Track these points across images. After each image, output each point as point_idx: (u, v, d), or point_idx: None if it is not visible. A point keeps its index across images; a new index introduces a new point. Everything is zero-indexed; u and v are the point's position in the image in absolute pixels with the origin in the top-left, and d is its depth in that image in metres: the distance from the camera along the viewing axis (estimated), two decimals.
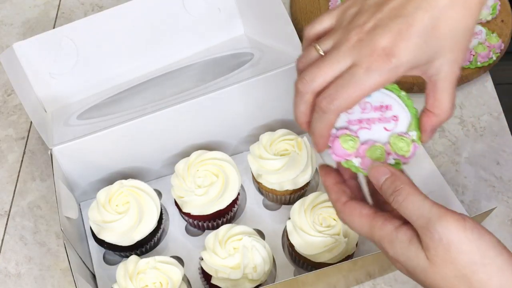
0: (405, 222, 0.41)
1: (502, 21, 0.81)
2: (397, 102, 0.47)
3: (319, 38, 0.45)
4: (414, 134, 0.46)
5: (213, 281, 0.55)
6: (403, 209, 0.40)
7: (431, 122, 0.45)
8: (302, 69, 0.44)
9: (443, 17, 0.40)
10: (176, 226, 0.64)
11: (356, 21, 0.42)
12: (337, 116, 0.43)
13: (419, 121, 0.46)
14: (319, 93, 0.42)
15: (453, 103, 0.44)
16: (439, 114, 0.44)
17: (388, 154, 0.45)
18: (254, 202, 0.65)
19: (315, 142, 0.46)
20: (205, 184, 0.59)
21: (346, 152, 0.46)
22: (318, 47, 0.43)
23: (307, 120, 0.45)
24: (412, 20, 0.40)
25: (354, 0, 0.44)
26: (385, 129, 0.46)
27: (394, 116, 0.47)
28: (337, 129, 0.46)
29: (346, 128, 0.46)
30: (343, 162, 0.46)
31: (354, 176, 0.47)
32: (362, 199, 0.46)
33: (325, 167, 0.48)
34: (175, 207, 0.63)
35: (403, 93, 0.48)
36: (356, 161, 0.46)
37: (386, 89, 0.48)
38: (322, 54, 0.43)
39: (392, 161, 0.45)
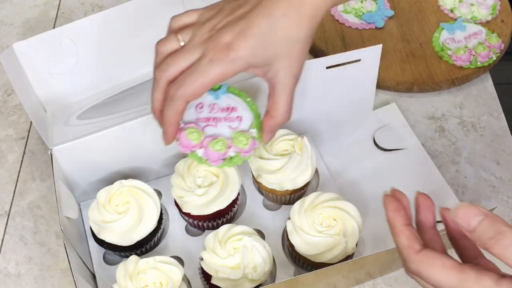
0: (503, 275, 0.36)
1: (502, 21, 0.81)
2: (242, 106, 0.54)
3: (183, 29, 0.50)
4: (254, 132, 0.53)
5: (213, 281, 0.55)
6: (509, 254, 0.35)
7: (269, 123, 0.50)
8: (161, 54, 0.50)
9: (278, 25, 0.46)
10: (176, 226, 0.64)
11: (211, 21, 0.48)
12: (184, 104, 0.47)
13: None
14: (172, 79, 0.48)
15: (290, 108, 0.49)
16: (276, 117, 0.50)
17: (229, 147, 0.52)
18: (254, 202, 0.65)
19: (165, 131, 0.50)
20: (205, 184, 0.59)
21: (191, 143, 0.52)
22: (179, 37, 0.49)
23: (161, 108, 0.49)
24: (252, 23, 0.46)
25: (217, 4, 0.50)
26: (230, 127, 0.53)
27: (238, 117, 0.53)
28: (185, 123, 0.53)
29: (194, 123, 0.53)
30: (189, 154, 0.52)
31: (432, 225, 0.43)
32: (442, 250, 0.42)
33: (393, 201, 0.43)
34: (175, 207, 0.63)
35: (248, 99, 0.55)
36: (200, 152, 0.52)
37: (234, 94, 0.55)
38: (181, 44, 0.49)
39: (232, 153, 0.52)
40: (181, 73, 0.47)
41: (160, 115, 0.50)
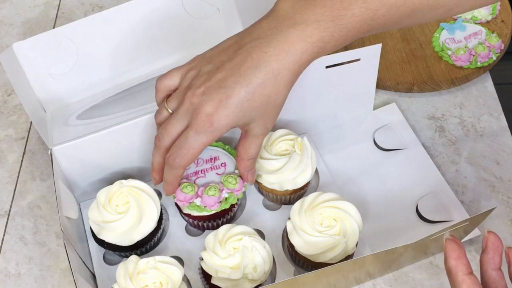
0: None
1: (502, 21, 0.81)
2: (223, 153, 0.62)
3: (170, 91, 0.55)
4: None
5: (213, 281, 0.55)
6: None
7: (243, 165, 0.56)
8: (158, 124, 0.55)
9: (256, 93, 0.49)
10: (176, 226, 0.64)
11: (192, 85, 0.51)
12: (183, 169, 0.54)
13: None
14: (169, 147, 0.53)
15: (258, 151, 0.55)
16: (247, 159, 0.56)
17: (222, 190, 0.58)
18: (254, 202, 0.65)
19: (166, 188, 0.56)
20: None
21: (187, 196, 0.58)
22: (167, 106, 0.54)
23: (160, 169, 0.55)
24: (231, 92, 0.49)
25: (196, 64, 0.53)
26: (217, 173, 0.60)
27: (223, 163, 0.61)
28: None
29: (186, 179, 0.60)
30: (188, 206, 0.58)
31: (498, 267, 0.43)
32: None
33: (455, 248, 0.42)
34: (175, 207, 0.63)
35: (227, 146, 0.63)
36: (197, 201, 0.58)
37: (213, 146, 0.63)
38: (170, 112, 0.53)
39: (226, 195, 0.58)
40: (174, 139, 0.52)
41: (159, 175, 0.56)
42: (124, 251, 0.60)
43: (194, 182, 0.59)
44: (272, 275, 0.59)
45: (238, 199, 0.60)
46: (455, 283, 0.41)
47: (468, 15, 0.82)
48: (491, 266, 0.42)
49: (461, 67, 0.75)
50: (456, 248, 0.42)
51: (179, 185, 0.59)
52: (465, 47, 0.76)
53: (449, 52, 0.76)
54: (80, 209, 0.66)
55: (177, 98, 0.53)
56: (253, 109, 0.50)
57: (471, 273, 0.41)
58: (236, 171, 0.60)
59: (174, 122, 0.52)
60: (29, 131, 0.76)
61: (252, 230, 0.57)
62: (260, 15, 0.69)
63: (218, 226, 0.60)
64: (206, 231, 0.63)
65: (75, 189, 0.65)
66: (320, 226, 0.55)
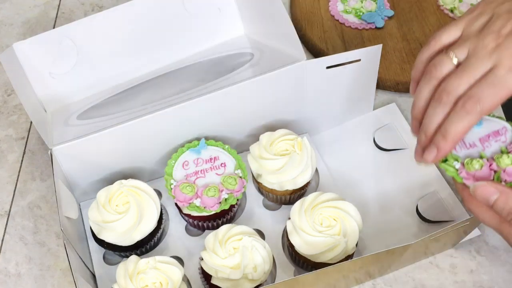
0: None
1: None
2: (223, 153, 0.62)
3: (442, 48, 0.46)
4: (239, 172, 0.60)
5: (213, 281, 0.55)
6: None
7: None
8: (439, 78, 0.45)
9: None
10: (176, 226, 0.64)
11: (490, 28, 0.43)
12: (479, 118, 0.43)
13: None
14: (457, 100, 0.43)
15: None
16: None
17: (221, 191, 0.58)
18: (254, 202, 0.65)
19: (444, 144, 0.44)
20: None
21: (187, 196, 0.58)
22: (452, 54, 0.44)
23: (437, 127, 0.45)
24: None
25: (482, 9, 0.45)
26: (217, 174, 0.60)
27: (222, 164, 0.61)
28: (176, 181, 0.60)
29: (185, 179, 0.59)
30: (188, 207, 0.58)
31: None
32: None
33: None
34: (175, 207, 0.63)
35: (226, 146, 0.62)
36: (197, 202, 0.58)
37: (213, 146, 0.62)
38: (455, 63, 0.44)
39: (225, 195, 0.58)
40: (469, 87, 0.43)
41: (433, 133, 0.45)
42: (124, 251, 0.60)
43: (194, 182, 0.59)
44: (272, 275, 0.59)
45: (237, 200, 0.60)
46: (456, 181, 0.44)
47: None
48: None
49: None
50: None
51: (178, 186, 0.59)
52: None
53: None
54: (80, 209, 0.66)
55: (468, 45, 0.44)
56: None
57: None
58: (237, 171, 0.60)
59: (472, 67, 0.42)
60: (29, 131, 0.76)
61: (252, 230, 0.57)
62: (261, 14, 0.70)
63: (218, 226, 0.60)
64: (206, 231, 0.63)
65: (75, 189, 0.65)
66: (320, 226, 0.55)
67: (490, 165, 0.45)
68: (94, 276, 0.61)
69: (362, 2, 0.85)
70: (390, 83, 0.75)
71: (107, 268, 0.62)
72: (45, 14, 0.92)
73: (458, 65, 0.44)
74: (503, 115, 0.72)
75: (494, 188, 0.42)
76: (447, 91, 0.43)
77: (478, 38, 0.43)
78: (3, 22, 0.91)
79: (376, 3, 0.85)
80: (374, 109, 0.73)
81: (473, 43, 0.44)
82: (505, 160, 0.45)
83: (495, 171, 0.45)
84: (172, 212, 0.65)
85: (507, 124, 0.49)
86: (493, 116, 0.49)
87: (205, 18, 0.72)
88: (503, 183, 0.45)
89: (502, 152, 0.46)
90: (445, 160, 0.47)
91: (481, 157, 0.47)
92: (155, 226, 0.59)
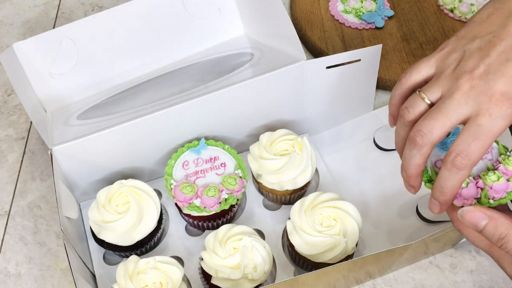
0: None
1: None
2: (223, 153, 0.62)
3: (415, 87, 0.45)
4: (240, 172, 0.60)
5: (213, 281, 0.55)
6: None
7: None
8: (411, 120, 0.45)
9: None
10: (176, 226, 0.64)
11: (463, 68, 0.42)
12: (471, 169, 0.43)
13: None
14: (437, 143, 0.43)
15: None
16: None
17: (221, 191, 0.58)
18: (254, 202, 0.65)
19: (442, 200, 0.44)
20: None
21: (187, 196, 0.58)
22: (423, 95, 0.44)
23: (419, 174, 0.46)
24: None
25: (452, 46, 0.44)
26: (217, 174, 0.60)
27: (222, 164, 0.61)
28: (176, 181, 0.60)
29: (185, 179, 0.59)
30: (188, 207, 0.58)
31: None
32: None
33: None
34: (175, 207, 0.63)
35: (226, 146, 0.62)
36: (197, 202, 0.58)
37: (213, 146, 0.62)
38: (429, 103, 0.43)
39: (225, 195, 0.58)
40: (446, 133, 0.43)
41: (419, 180, 0.46)
42: (124, 251, 0.60)
43: (194, 182, 0.59)
44: (272, 275, 0.59)
45: (237, 200, 0.60)
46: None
47: (468, 14, 0.82)
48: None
49: None
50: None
51: (178, 186, 0.59)
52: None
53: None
54: (80, 209, 0.66)
55: (441, 85, 0.43)
56: None
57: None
58: (237, 171, 0.60)
59: (449, 111, 0.42)
60: (29, 131, 0.76)
61: (252, 230, 0.57)
62: (261, 14, 0.70)
63: (218, 226, 0.60)
64: (206, 231, 0.63)
65: (75, 189, 0.65)
66: (320, 226, 0.55)
67: (477, 183, 0.45)
68: (94, 276, 0.61)
69: (362, 2, 0.85)
70: (390, 83, 0.75)
71: (107, 268, 0.62)
72: (45, 14, 0.92)
73: (432, 105, 0.44)
74: None
75: (482, 213, 0.42)
76: (421, 133, 0.43)
77: (451, 78, 0.43)
78: (3, 22, 0.91)
79: (376, 3, 0.85)
80: (374, 109, 0.73)
81: (446, 84, 0.43)
82: (491, 177, 0.45)
83: (482, 189, 0.45)
84: (172, 212, 0.65)
85: (493, 143, 0.48)
86: None
87: (205, 18, 0.72)
88: (491, 200, 0.45)
89: (488, 169, 0.46)
90: (431, 180, 0.47)
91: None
92: (155, 226, 0.59)
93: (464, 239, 0.60)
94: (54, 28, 0.88)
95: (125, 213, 0.58)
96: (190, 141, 0.65)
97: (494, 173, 0.45)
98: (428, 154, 0.44)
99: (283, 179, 0.60)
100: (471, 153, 0.41)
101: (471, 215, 0.42)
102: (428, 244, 0.55)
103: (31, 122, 0.77)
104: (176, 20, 0.70)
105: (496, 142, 0.48)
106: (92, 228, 0.59)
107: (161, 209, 0.62)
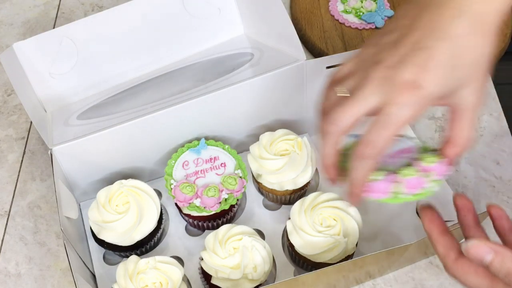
0: None
1: (502, 21, 0.81)
2: (223, 153, 0.62)
3: (341, 80, 0.45)
4: (240, 172, 0.60)
5: (213, 281, 0.55)
6: None
7: (454, 151, 0.44)
8: (325, 111, 0.45)
9: (464, 46, 0.40)
10: (176, 226, 0.64)
11: (376, 59, 0.42)
12: (376, 160, 0.42)
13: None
14: (347, 132, 0.43)
15: (472, 131, 0.44)
16: (461, 144, 0.44)
17: (221, 191, 0.58)
18: (254, 202, 0.65)
19: (353, 190, 0.44)
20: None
21: (187, 196, 0.58)
22: (338, 89, 0.44)
23: (334, 162, 0.45)
24: (434, 51, 0.40)
25: (369, 43, 0.44)
26: (217, 174, 0.60)
27: (222, 164, 0.61)
28: (176, 181, 0.60)
29: (185, 179, 0.59)
30: (188, 207, 0.58)
31: (476, 223, 0.47)
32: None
33: (428, 211, 0.45)
34: (175, 207, 0.63)
35: (226, 146, 0.63)
36: (197, 202, 0.58)
37: (213, 146, 0.63)
38: (343, 95, 0.43)
39: (225, 195, 0.58)
40: (355, 122, 0.42)
41: (334, 171, 0.46)
42: (124, 251, 0.60)
43: (194, 182, 0.59)
44: (272, 275, 0.59)
45: (237, 200, 0.60)
46: (432, 243, 0.44)
47: None
48: (468, 224, 0.46)
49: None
50: (428, 212, 0.45)
51: (178, 186, 0.59)
52: None
53: None
54: (80, 209, 0.66)
55: (355, 78, 0.43)
56: (462, 67, 0.40)
57: (444, 232, 0.44)
58: (237, 171, 0.60)
59: (359, 100, 0.41)
60: (29, 131, 0.76)
61: (252, 230, 0.57)
62: (261, 14, 0.70)
63: (218, 226, 0.60)
64: (206, 231, 0.63)
65: (75, 189, 0.65)
66: (320, 226, 0.55)
67: (392, 178, 0.45)
68: (94, 276, 0.61)
69: (362, 2, 0.85)
70: None
71: (107, 268, 0.62)
72: (45, 14, 0.92)
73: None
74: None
75: (487, 247, 0.41)
76: (330, 121, 0.43)
77: (365, 70, 0.43)
78: (3, 22, 0.91)
79: (376, 3, 0.85)
80: None
81: (360, 76, 0.43)
82: (406, 172, 0.45)
83: (396, 183, 0.45)
84: (172, 212, 0.65)
85: (414, 143, 0.50)
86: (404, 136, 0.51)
87: (205, 18, 0.72)
88: (402, 195, 0.45)
89: (407, 165, 0.46)
90: None
91: (384, 169, 0.46)
92: (155, 226, 0.59)
93: (464, 239, 0.60)
94: (54, 28, 0.88)
95: (125, 213, 0.58)
96: (190, 141, 0.65)
97: (410, 168, 0.45)
98: (337, 143, 0.44)
99: (283, 179, 0.60)
100: (376, 142, 0.41)
101: (476, 250, 0.41)
102: (428, 244, 0.55)
103: (31, 122, 0.77)
104: (176, 20, 0.70)
105: (422, 142, 0.49)
106: (92, 228, 0.59)
107: (161, 209, 0.62)
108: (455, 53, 0.40)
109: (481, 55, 0.41)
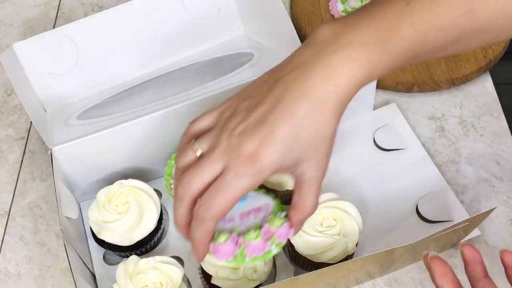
0: None
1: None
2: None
3: (199, 136, 0.47)
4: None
5: (213, 281, 0.55)
6: None
7: (297, 217, 0.47)
8: (181, 169, 0.47)
9: (303, 126, 0.43)
10: None
11: (228, 124, 0.45)
12: (215, 223, 0.44)
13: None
14: (197, 195, 0.45)
15: (317, 201, 0.46)
16: (304, 210, 0.46)
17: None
18: None
19: (195, 250, 0.46)
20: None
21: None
22: (195, 147, 0.46)
23: (186, 224, 0.46)
24: (274, 127, 0.42)
25: (230, 103, 0.47)
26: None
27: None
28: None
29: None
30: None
31: (484, 275, 0.46)
32: None
33: (439, 263, 0.45)
34: None
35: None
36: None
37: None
38: (198, 155, 0.46)
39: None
40: (205, 187, 0.44)
41: (186, 231, 0.47)
42: (124, 251, 0.60)
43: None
44: (272, 275, 0.59)
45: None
46: None
47: None
48: (477, 276, 0.45)
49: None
50: (440, 265, 0.44)
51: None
52: None
53: None
54: (80, 209, 0.66)
55: (209, 140, 0.46)
56: (301, 145, 0.43)
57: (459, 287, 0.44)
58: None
59: (205, 166, 0.44)
60: (29, 131, 0.76)
61: None
62: (261, 14, 0.70)
63: None
64: None
65: (75, 189, 0.65)
66: (320, 226, 0.55)
67: (237, 240, 0.46)
68: (94, 276, 0.61)
69: (362, 2, 0.85)
70: (390, 83, 0.75)
71: (107, 268, 0.62)
72: (45, 14, 0.92)
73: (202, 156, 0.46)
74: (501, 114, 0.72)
75: None
76: (182, 184, 0.45)
77: (218, 133, 0.45)
78: (3, 22, 0.91)
79: None
80: (374, 109, 0.73)
81: (213, 138, 0.45)
82: (250, 236, 0.46)
83: (240, 246, 0.46)
84: (172, 212, 0.65)
85: (271, 201, 0.51)
86: (263, 192, 0.51)
87: (205, 18, 0.72)
88: (247, 258, 0.46)
89: (256, 227, 0.47)
90: None
91: (234, 231, 0.47)
92: (155, 226, 0.59)
93: (464, 239, 0.60)
94: (54, 28, 0.88)
95: (125, 213, 0.58)
96: None
97: (255, 231, 0.47)
98: (189, 205, 0.45)
99: (283, 179, 0.60)
100: (212, 206, 0.43)
101: None
102: (428, 244, 0.55)
103: (31, 122, 0.77)
104: (176, 20, 0.70)
105: (275, 200, 0.51)
106: (92, 228, 0.59)
107: (161, 209, 0.62)
108: (294, 132, 0.43)
109: (319, 135, 0.44)
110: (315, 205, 0.47)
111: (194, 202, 0.45)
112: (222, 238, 0.46)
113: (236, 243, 0.47)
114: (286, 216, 0.48)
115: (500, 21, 0.45)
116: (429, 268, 0.45)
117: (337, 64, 0.43)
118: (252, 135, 0.43)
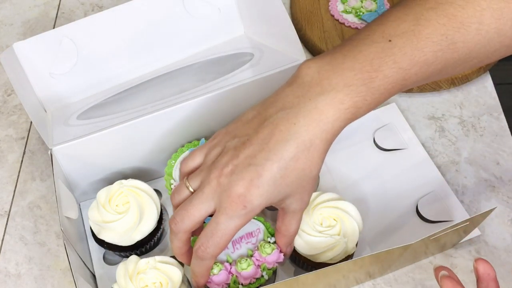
0: None
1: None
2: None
3: (191, 173, 0.50)
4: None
5: None
6: None
7: (283, 241, 0.52)
8: (176, 205, 0.50)
9: (289, 168, 0.45)
10: None
11: (217, 162, 0.47)
12: (214, 259, 0.48)
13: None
14: (191, 230, 0.48)
15: (298, 226, 0.51)
16: (288, 235, 0.51)
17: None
18: None
19: (196, 282, 0.50)
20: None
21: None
22: (188, 184, 0.49)
23: (184, 253, 0.50)
24: (262, 169, 0.45)
25: (219, 139, 0.49)
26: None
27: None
28: (176, 181, 0.57)
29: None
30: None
31: None
32: None
33: (449, 282, 0.45)
34: None
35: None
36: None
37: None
38: (192, 191, 0.48)
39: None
40: (197, 223, 0.48)
41: (184, 258, 0.51)
42: (124, 251, 0.60)
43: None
44: (272, 275, 0.59)
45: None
46: None
47: None
48: None
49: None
50: (450, 282, 0.45)
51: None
52: None
53: None
54: (80, 209, 0.66)
55: (201, 176, 0.48)
56: (287, 185, 0.46)
57: None
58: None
59: (198, 203, 0.47)
60: (29, 131, 0.76)
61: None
62: (261, 14, 0.70)
63: None
64: None
65: (75, 189, 0.65)
66: (320, 226, 0.55)
67: (230, 269, 0.51)
68: (94, 276, 0.61)
69: (362, 2, 0.85)
70: None
71: (107, 268, 0.62)
72: (45, 14, 0.92)
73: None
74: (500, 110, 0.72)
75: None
76: (175, 221, 0.48)
77: (208, 171, 0.47)
78: (3, 22, 0.91)
79: (376, 3, 0.85)
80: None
81: (203, 176, 0.48)
82: (241, 265, 0.51)
83: (232, 275, 0.51)
84: (172, 212, 0.65)
85: (261, 225, 0.55)
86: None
87: (205, 18, 0.72)
88: (240, 286, 0.51)
89: (248, 255, 0.52)
90: None
91: (227, 260, 0.52)
92: (155, 226, 0.59)
93: (464, 239, 0.60)
94: (54, 28, 0.88)
95: (125, 213, 0.58)
96: (190, 141, 0.65)
97: (246, 260, 0.51)
98: (184, 239, 0.49)
99: None
100: (209, 247, 0.47)
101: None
102: (428, 244, 0.55)
103: (31, 122, 0.77)
104: (176, 20, 0.70)
105: (264, 224, 0.55)
106: (92, 228, 0.59)
107: (161, 209, 0.62)
108: (282, 173, 0.45)
109: (306, 175, 0.46)
110: (297, 229, 0.51)
111: (188, 235, 0.49)
112: (215, 270, 0.51)
113: (229, 272, 0.51)
114: (275, 242, 0.53)
115: (482, 50, 0.46)
116: (439, 283, 0.46)
117: (323, 108, 0.45)
118: (242, 177, 0.45)
